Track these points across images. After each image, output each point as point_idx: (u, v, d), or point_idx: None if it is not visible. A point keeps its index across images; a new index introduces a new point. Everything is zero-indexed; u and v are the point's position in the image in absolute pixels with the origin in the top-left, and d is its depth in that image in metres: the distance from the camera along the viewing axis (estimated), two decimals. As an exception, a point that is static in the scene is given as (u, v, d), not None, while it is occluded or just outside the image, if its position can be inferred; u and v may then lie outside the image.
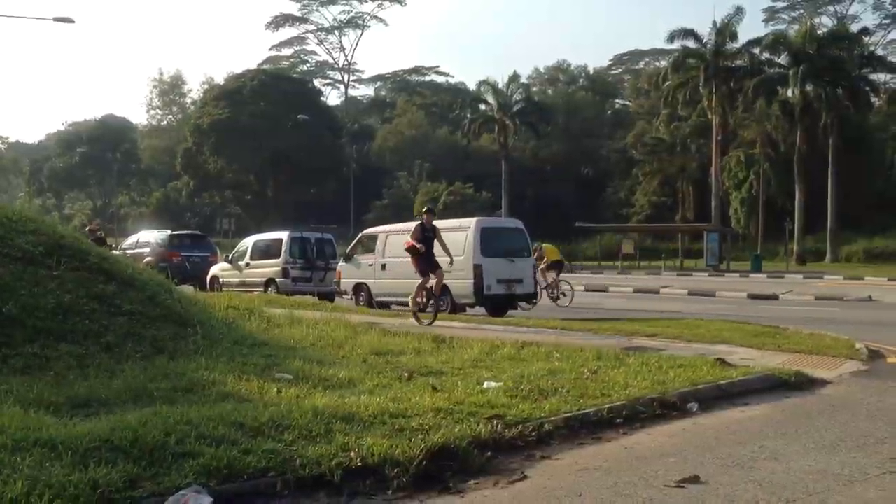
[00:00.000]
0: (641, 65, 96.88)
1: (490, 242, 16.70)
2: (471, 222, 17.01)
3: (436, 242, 13.62)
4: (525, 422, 6.03)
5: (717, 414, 7.00)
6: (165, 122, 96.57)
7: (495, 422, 5.91)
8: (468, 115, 71.62)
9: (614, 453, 5.69)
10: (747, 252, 51.21)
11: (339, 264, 20.12)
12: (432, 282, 13.48)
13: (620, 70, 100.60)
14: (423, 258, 13.33)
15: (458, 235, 16.78)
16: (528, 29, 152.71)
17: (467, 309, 16.94)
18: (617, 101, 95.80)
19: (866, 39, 61.06)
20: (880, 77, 60.56)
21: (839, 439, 6.01)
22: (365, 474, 4.88)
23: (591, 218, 60.23)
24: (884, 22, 79.42)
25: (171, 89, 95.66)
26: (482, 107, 68.18)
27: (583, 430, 6.21)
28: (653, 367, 8.41)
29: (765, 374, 8.36)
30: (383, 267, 18.27)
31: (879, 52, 68.42)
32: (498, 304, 16.96)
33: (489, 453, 5.43)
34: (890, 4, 79.11)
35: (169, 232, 28.02)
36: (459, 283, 16.45)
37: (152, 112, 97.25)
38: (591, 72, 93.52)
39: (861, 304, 22.13)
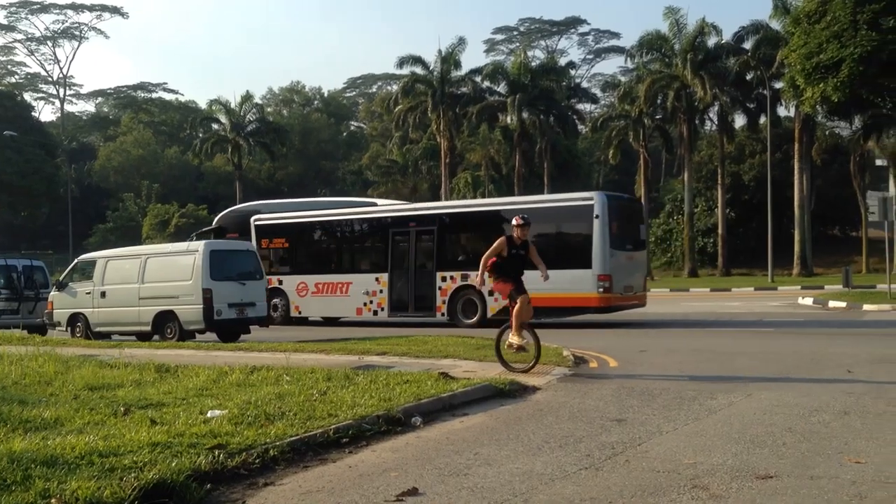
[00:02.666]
0: (374, 88, 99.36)
1: (220, 265, 16.24)
2: (199, 245, 16.44)
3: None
4: (249, 449, 5.91)
5: (438, 426, 7.30)
6: None
7: (217, 452, 5.74)
8: (200, 135, 69.34)
9: (339, 473, 5.74)
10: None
11: (52, 293, 18.54)
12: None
13: (354, 93, 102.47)
14: (511, 280, 10.32)
15: (186, 259, 16.21)
16: (261, 48, 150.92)
17: (196, 335, 16.32)
18: (352, 123, 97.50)
19: (573, 72, 67.44)
20: (586, 107, 67.07)
21: (544, 441, 6.51)
22: (69, 521, 4.53)
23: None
24: (587, 57, 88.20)
25: None
26: (214, 126, 66.24)
27: (309, 453, 6.21)
28: (380, 384, 8.61)
29: (483, 384, 8.85)
30: (103, 294, 17.14)
31: (584, 84, 75.93)
32: (229, 329, 16.52)
33: (209, 485, 5.26)
34: (592, 41, 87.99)
35: None
36: (188, 308, 15.87)
37: None
38: (326, 94, 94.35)
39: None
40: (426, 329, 17.73)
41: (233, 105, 64.91)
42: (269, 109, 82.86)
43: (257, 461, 5.79)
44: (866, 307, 22.50)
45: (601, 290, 17.95)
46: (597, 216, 18.25)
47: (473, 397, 8.44)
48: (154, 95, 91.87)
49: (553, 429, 6.98)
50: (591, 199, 18.78)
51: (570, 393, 8.78)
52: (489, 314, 18.97)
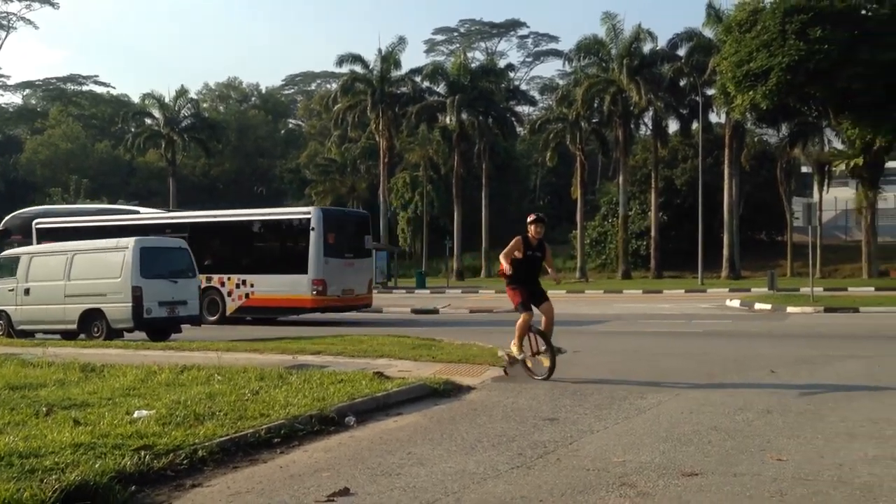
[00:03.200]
0: (313, 86, 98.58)
1: (150, 263, 15.90)
2: (129, 242, 16.04)
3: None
4: (177, 450, 5.79)
5: (372, 426, 7.27)
6: None
7: (143, 453, 5.61)
8: (132, 129, 67.82)
9: (269, 474, 5.67)
10: (413, 269, 54.13)
11: (-27, 291, 17.90)
12: (534, 318, 9.72)
13: (293, 90, 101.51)
14: (524, 286, 9.60)
15: (115, 256, 15.84)
16: (196, 42, 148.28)
17: (125, 334, 15.94)
18: (290, 120, 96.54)
19: (512, 75, 67.92)
20: (524, 109, 67.69)
21: (477, 441, 6.54)
22: (-15, 525, 4.37)
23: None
24: (526, 60, 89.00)
25: None
26: (147, 121, 64.80)
27: (239, 454, 6.12)
28: (314, 383, 8.55)
29: (418, 384, 8.85)
30: (27, 292, 16.64)
31: (523, 86, 76.57)
32: (159, 328, 16.19)
33: (134, 487, 5.13)
34: (531, 44, 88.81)
35: None
36: (116, 306, 15.53)
37: None
38: (264, 90, 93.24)
39: (508, 315, 24.31)
40: (348, 328, 17.66)
41: (167, 99, 63.71)
42: (204, 105, 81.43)
43: (185, 462, 5.68)
44: (790, 309, 23.21)
45: (314, 292, 20.75)
46: (312, 228, 20.98)
47: (408, 397, 8.44)
48: (85, 88, 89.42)
49: (486, 428, 7.01)
50: (308, 213, 21.94)
51: (503, 392, 8.84)
52: (228, 312, 21.80)
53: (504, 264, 9.38)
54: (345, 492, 5.14)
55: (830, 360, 11.34)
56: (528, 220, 9.69)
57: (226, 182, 77.60)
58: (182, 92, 64.58)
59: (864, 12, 35.46)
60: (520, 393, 8.76)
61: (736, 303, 26.64)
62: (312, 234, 20.77)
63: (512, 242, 9.57)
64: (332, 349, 12.31)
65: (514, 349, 9.66)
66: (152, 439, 5.97)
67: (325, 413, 7.21)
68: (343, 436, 6.87)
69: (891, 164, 49.55)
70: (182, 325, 16.91)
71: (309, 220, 21.28)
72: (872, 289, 31.89)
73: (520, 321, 9.47)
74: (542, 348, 9.58)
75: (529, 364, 9.63)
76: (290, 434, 6.66)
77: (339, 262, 21.43)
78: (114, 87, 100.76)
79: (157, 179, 70.78)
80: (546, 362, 9.47)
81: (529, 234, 9.55)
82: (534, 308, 9.61)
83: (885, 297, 26.80)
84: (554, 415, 7.53)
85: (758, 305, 24.81)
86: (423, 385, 8.84)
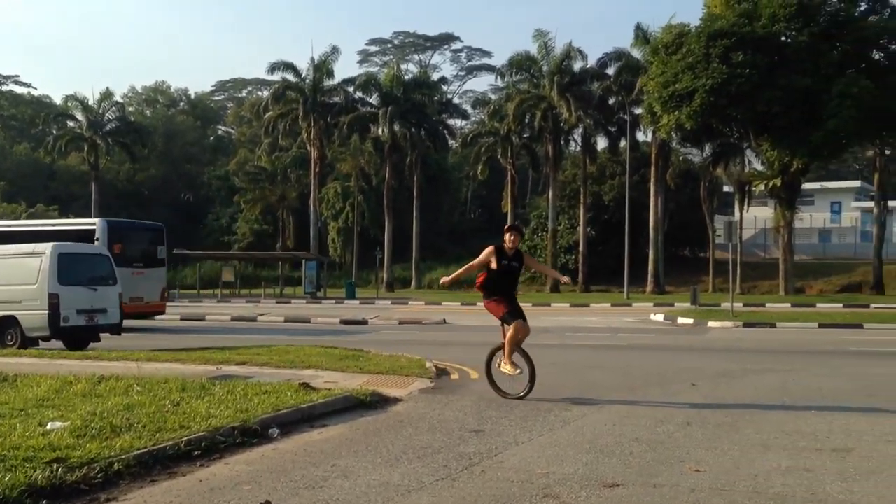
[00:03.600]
0: (244, 93, 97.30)
1: (69, 270, 15.40)
2: (46, 247, 15.52)
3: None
4: (91, 463, 5.60)
5: (296, 438, 7.17)
6: None
7: (56, 466, 5.41)
8: (54, 132, 65.71)
9: (188, 487, 5.53)
10: (343, 279, 53.78)
11: None
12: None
13: (223, 97, 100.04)
14: (505, 298, 9.02)
15: (32, 262, 15.31)
16: (122, 44, 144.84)
17: (40, 343, 15.39)
18: (219, 127, 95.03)
19: (445, 88, 68.32)
20: (456, 122, 68.15)
21: (402, 452, 6.51)
22: None
23: (191, 245, 58.62)
24: (459, 73, 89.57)
25: None
26: (70, 123, 62.86)
27: (157, 467, 5.96)
28: (238, 394, 8.39)
29: (345, 395, 8.77)
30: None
31: (456, 100, 77.13)
32: (77, 337, 15.67)
33: (45, 501, 4.95)
34: (465, 58, 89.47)
35: None
36: (31, 314, 15.00)
37: None
38: (193, 96, 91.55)
39: (437, 327, 24.39)
40: (275, 337, 17.44)
41: (91, 102, 61.94)
42: (130, 108, 79.59)
43: (100, 475, 5.49)
44: (711, 324, 23.85)
45: None
46: (97, 239, 21.84)
47: (334, 408, 8.36)
48: (4, 88, 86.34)
49: (412, 440, 6.99)
50: (93, 224, 23.15)
51: (430, 404, 8.83)
52: None
53: (455, 274, 9.20)
54: (266, 505, 5.05)
55: (748, 373, 11.68)
56: (505, 228, 9.21)
57: (151, 188, 75.83)
58: (107, 94, 62.93)
59: (783, 39, 36.83)
60: (446, 405, 8.77)
61: (660, 317, 27.24)
62: (97, 245, 20.80)
63: (483, 253, 9.05)
64: (258, 360, 12.12)
65: (506, 368, 8.89)
66: (66, 452, 5.77)
67: (248, 425, 7.08)
68: (266, 448, 6.75)
69: (807, 185, 51.60)
70: (101, 335, 16.43)
71: (94, 230, 22.42)
72: (789, 305, 33.01)
73: (510, 333, 8.83)
74: (499, 363, 9.05)
75: (512, 375, 8.90)
76: (212, 446, 6.51)
77: (127, 271, 21.34)
78: (35, 88, 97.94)
79: (78, 184, 68.72)
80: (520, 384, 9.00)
81: (505, 244, 8.96)
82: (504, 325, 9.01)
83: (800, 313, 27.76)
84: (480, 427, 7.55)
85: (680, 320, 25.41)
86: (350, 396, 8.77)
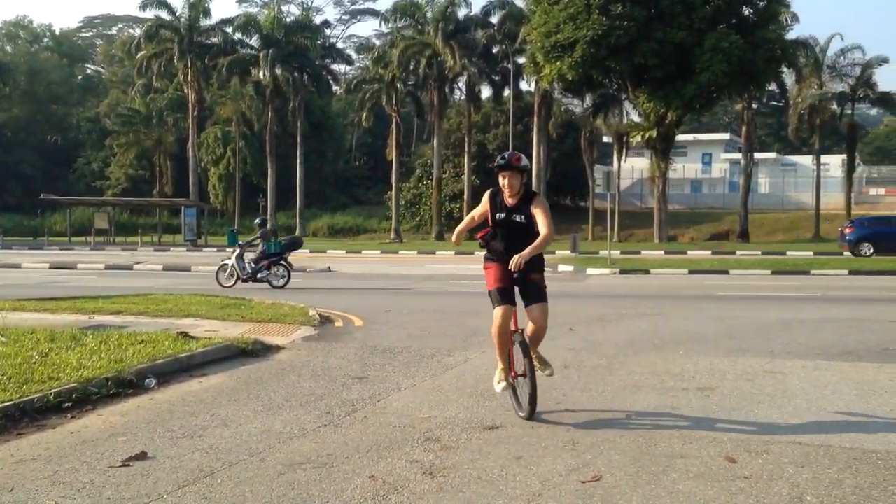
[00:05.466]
0: (115, 31, 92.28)
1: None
2: None
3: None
4: (-50, 418, 5.32)
5: (174, 388, 7.01)
6: None
7: (-90, 423, 5.10)
8: None
9: (58, 440, 5.33)
10: (225, 227, 52.49)
11: None
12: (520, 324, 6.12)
13: (91, 34, 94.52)
14: (502, 266, 5.94)
15: None
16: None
17: None
18: (88, 66, 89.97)
19: (328, 32, 66.80)
20: (340, 68, 66.84)
21: (285, 400, 6.48)
22: None
23: (60, 190, 55.77)
24: (343, 17, 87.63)
25: None
26: (-81, 57, 58.13)
27: (24, 419, 5.72)
28: (112, 345, 8.12)
29: (225, 344, 8.62)
30: None
31: (340, 44, 75.52)
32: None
33: None
34: (348, 2, 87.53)
35: None
36: None
37: None
38: (58, 32, 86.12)
39: (321, 275, 24.21)
40: (155, 286, 16.95)
41: (-57, 34, 57.38)
42: (-11, 44, 74.13)
43: (-40, 431, 5.23)
44: (589, 271, 24.66)
45: None
46: None
47: (214, 357, 8.21)
48: None
49: (295, 388, 6.96)
50: None
51: (313, 352, 8.80)
52: None
53: (455, 234, 6.45)
54: (142, 456, 4.94)
55: (623, 318, 12.17)
56: (493, 165, 6.19)
57: (14, 129, 71.31)
58: (-38, 28, 58.43)
59: (660, -7, 37.80)
60: (329, 353, 8.75)
61: (540, 264, 27.92)
62: None
63: (482, 201, 6.23)
64: (134, 308, 11.74)
65: (497, 375, 6.13)
66: (-79, 408, 5.44)
67: (122, 375, 6.87)
68: (142, 398, 6.58)
69: (681, 137, 53.60)
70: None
71: None
72: (662, 252, 34.48)
73: (493, 325, 5.89)
74: (521, 369, 5.96)
75: (518, 391, 6.09)
76: (83, 398, 6.30)
77: None
78: None
79: (-70, 123, 63.96)
80: (526, 389, 5.89)
81: (503, 190, 6.04)
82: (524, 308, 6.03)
83: (672, 260, 29.08)
84: (363, 374, 7.58)
85: (560, 267, 26.16)
86: (231, 345, 8.62)
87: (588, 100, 49.37)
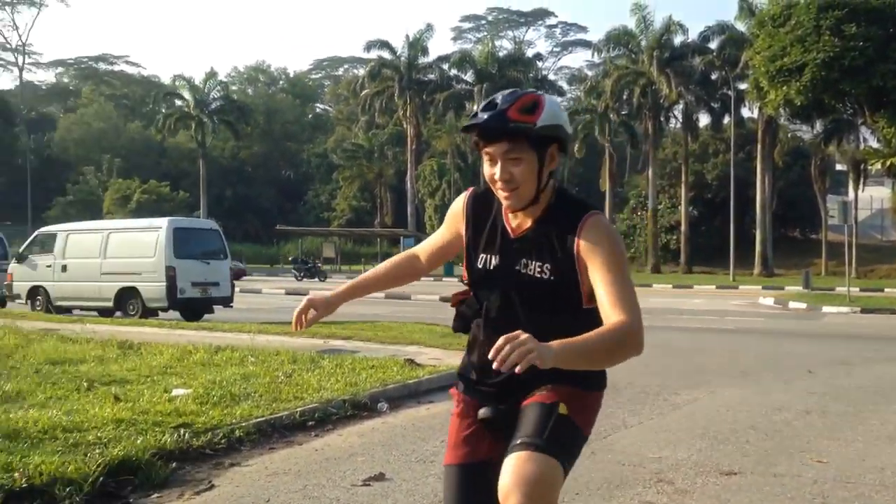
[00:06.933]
0: (341, 71, 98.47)
1: (183, 244, 16.09)
2: (162, 222, 16.26)
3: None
4: (215, 429, 5.84)
5: (404, 412, 7.29)
6: None
7: (182, 431, 5.67)
8: (163, 110, 68.16)
9: (305, 456, 5.70)
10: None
11: (11, 265, 18.19)
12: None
13: (321, 75, 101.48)
14: (469, 387, 2.77)
15: (149, 236, 16.02)
16: (226, 25, 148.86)
17: (159, 313, 16.13)
18: (317, 105, 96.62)
19: (539, 64, 67.55)
20: (553, 100, 67.04)
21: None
22: (32, 496, 4.42)
23: (292, 221, 60.12)
24: (554, 49, 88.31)
25: None
26: (178, 102, 65.13)
27: (275, 435, 6.17)
28: (346, 368, 8.58)
29: (449, 372, 8.83)
30: (63, 268, 16.86)
31: (551, 76, 76.05)
32: (192, 308, 16.37)
33: (175, 464, 5.19)
34: (560, 34, 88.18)
35: None
36: (150, 286, 15.69)
37: None
38: (292, 74, 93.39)
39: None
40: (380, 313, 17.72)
41: (197, 81, 63.99)
42: (233, 87, 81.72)
43: (223, 441, 5.73)
44: (825, 309, 22.91)
45: None
46: None
47: (439, 385, 8.43)
48: (116, 68, 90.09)
49: (520, 418, 6.99)
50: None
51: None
52: None
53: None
54: (380, 476, 5.16)
55: (868, 361, 11.20)
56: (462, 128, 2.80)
57: (254, 165, 77.91)
58: (212, 74, 64.86)
59: (900, 10, 34.87)
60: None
61: (770, 300, 26.34)
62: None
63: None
64: (362, 334, 12.34)
65: None
66: (191, 417, 6.02)
67: (357, 398, 7.24)
68: (376, 421, 6.89)
69: (927, 164, 48.69)
70: (214, 307, 17.08)
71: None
72: (907, 290, 31.43)
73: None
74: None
75: None
76: (324, 418, 6.70)
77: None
78: (144, 68, 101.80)
79: (187, 160, 71.21)
80: None
81: (493, 186, 2.55)
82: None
83: (918, 298, 26.40)
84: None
85: (792, 304, 24.53)
86: (454, 373, 8.80)
87: (818, 126, 46.24)
